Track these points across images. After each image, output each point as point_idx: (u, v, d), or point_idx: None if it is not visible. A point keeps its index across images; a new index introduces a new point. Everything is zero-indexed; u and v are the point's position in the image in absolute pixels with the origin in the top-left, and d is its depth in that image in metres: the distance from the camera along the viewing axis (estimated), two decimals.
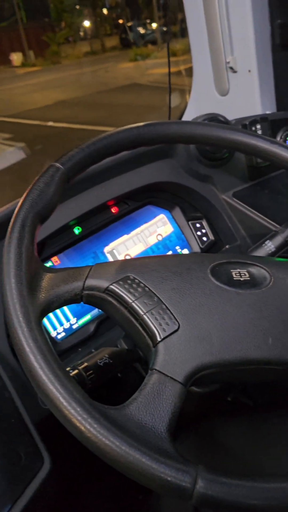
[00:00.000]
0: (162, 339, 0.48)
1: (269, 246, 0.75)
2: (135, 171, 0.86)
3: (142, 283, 0.52)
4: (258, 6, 1.06)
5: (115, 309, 0.52)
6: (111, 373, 0.61)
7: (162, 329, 0.48)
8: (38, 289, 0.49)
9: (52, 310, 0.50)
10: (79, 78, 11.51)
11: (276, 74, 1.14)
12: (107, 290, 0.51)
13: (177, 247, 0.92)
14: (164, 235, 0.91)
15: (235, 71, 1.14)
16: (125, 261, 0.56)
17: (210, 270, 0.54)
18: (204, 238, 0.94)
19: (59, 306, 0.51)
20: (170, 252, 0.91)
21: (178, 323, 0.49)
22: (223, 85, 1.18)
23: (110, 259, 0.84)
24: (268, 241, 0.76)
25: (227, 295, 0.52)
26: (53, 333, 0.75)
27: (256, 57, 1.09)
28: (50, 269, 0.53)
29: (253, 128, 0.91)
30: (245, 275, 0.55)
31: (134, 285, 0.51)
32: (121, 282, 0.52)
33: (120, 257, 0.85)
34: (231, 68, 1.14)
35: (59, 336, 0.76)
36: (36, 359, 0.42)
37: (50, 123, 7.32)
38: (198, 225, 0.94)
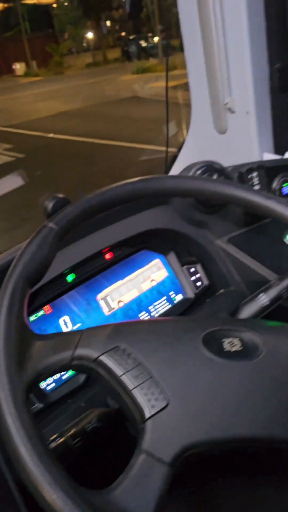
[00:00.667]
0: (151, 416, 0.47)
1: (263, 299, 0.75)
2: (131, 218, 0.86)
3: (132, 354, 0.52)
4: (257, 49, 1.07)
5: (104, 380, 0.51)
6: (100, 438, 0.61)
7: (151, 405, 0.48)
8: (27, 360, 0.49)
9: (40, 381, 0.50)
10: (81, 89, 11.60)
11: (274, 116, 1.15)
12: (97, 361, 0.51)
13: (171, 293, 0.92)
14: (159, 280, 0.92)
15: (233, 112, 1.15)
16: (116, 327, 0.56)
17: (202, 340, 0.54)
18: (199, 283, 0.94)
19: (48, 376, 0.51)
20: (164, 298, 0.91)
21: (168, 399, 0.48)
22: (222, 124, 1.19)
23: (103, 306, 0.84)
24: (262, 293, 0.76)
25: (218, 367, 0.52)
26: (43, 385, 0.75)
27: (254, 99, 1.10)
28: (40, 337, 0.53)
29: (249, 176, 0.92)
30: (237, 344, 0.55)
31: (125, 357, 0.51)
32: (111, 353, 0.51)
33: (113, 304, 0.85)
34: (229, 108, 1.15)
35: (48, 388, 0.75)
36: (21, 442, 0.42)
37: (51, 135, 7.36)
38: (192, 269, 0.94)
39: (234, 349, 0.54)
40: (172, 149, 1.42)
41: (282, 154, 1.16)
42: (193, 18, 1.10)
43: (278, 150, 1.19)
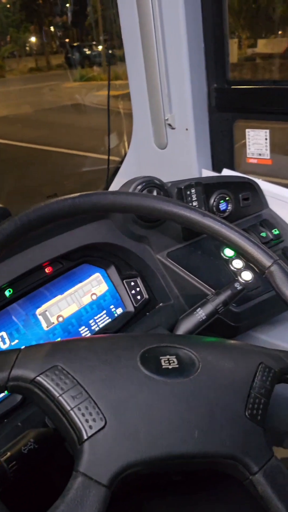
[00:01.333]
0: (88, 438, 0.47)
1: (200, 314, 0.78)
2: (71, 232, 0.86)
3: (70, 374, 0.51)
4: (195, 69, 1.11)
5: (41, 401, 0.51)
6: (37, 460, 0.60)
7: (89, 426, 0.48)
8: None
9: None
10: (24, 94, 11.36)
11: (212, 134, 1.20)
12: (34, 382, 0.50)
13: (112, 306, 0.92)
14: (99, 294, 0.92)
15: (173, 128, 1.18)
16: (54, 346, 0.55)
17: (139, 357, 0.55)
18: (138, 297, 0.95)
19: None
20: (104, 312, 0.91)
21: (105, 419, 0.48)
22: (162, 139, 1.22)
23: (42, 321, 0.83)
24: (199, 308, 0.78)
25: (155, 385, 0.53)
26: None
27: (193, 117, 1.14)
28: None
29: (188, 192, 0.94)
30: (173, 362, 0.56)
31: (62, 377, 0.51)
32: (48, 373, 0.51)
33: (53, 319, 0.84)
34: (169, 124, 1.17)
35: None
36: None
37: None
38: (132, 283, 0.95)
39: (171, 366, 0.56)
40: (115, 158, 1.43)
41: (220, 171, 1.20)
42: (135, 36, 1.12)
43: (216, 167, 1.24)
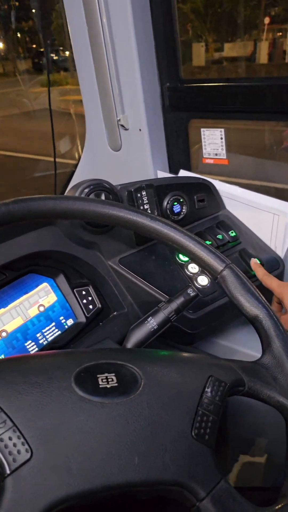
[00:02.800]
0: (11, 472, 0.42)
1: (152, 323, 0.73)
2: (14, 240, 0.80)
3: None
4: (147, 69, 1.07)
5: None
6: None
7: (12, 459, 0.43)
8: None
9: None
10: None
11: (167, 134, 1.16)
12: None
13: (61, 318, 0.87)
14: (47, 305, 0.86)
15: (126, 129, 1.14)
16: None
17: (74, 378, 0.50)
18: (91, 306, 0.90)
19: None
20: (53, 324, 0.86)
21: (31, 450, 0.43)
22: (116, 141, 1.17)
23: None
24: (150, 317, 0.74)
25: (91, 408, 0.48)
26: None
27: (146, 117, 1.10)
28: None
29: (139, 195, 0.90)
30: (112, 380, 0.51)
31: None
32: None
33: None
34: (122, 125, 1.13)
35: None
36: None
37: None
38: (84, 292, 0.90)
39: (109, 385, 0.51)
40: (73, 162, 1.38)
41: (176, 172, 1.17)
42: (82, 36, 1.08)
43: (173, 168, 1.20)
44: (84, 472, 0.44)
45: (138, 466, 0.46)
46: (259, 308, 0.64)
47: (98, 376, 0.51)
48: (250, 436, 1.12)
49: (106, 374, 0.52)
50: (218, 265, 0.66)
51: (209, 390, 0.54)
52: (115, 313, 0.92)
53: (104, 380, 0.51)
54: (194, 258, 0.68)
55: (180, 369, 0.56)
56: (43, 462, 0.43)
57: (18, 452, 0.43)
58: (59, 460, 0.44)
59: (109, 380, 0.51)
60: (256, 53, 8.37)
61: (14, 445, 0.43)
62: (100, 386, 0.50)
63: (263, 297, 0.65)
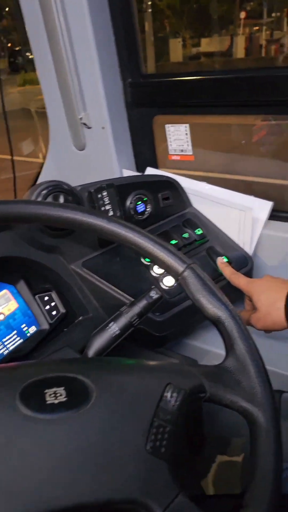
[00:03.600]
0: None
1: (113, 328, 0.70)
2: None
3: None
4: (107, 64, 1.04)
5: None
6: None
7: None
8: None
9: None
10: None
11: (132, 132, 1.13)
12: None
13: (23, 325, 0.84)
14: (8, 313, 0.83)
15: (89, 127, 1.10)
16: None
17: (19, 394, 0.47)
18: (54, 312, 0.87)
19: None
20: (14, 332, 0.82)
21: None
22: (80, 140, 1.14)
23: None
24: (112, 322, 0.71)
25: (36, 427, 0.45)
26: None
27: (109, 114, 1.07)
28: None
29: (99, 196, 0.87)
30: (61, 395, 0.48)
31: None
32: None
33: None
34: (84, 124, 1.10)
35: None
36: None
37: None
38: (46, 298, 0.87)
39: (58, 400, 0.48)
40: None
41: (143, 170, 1.14)
42: (40, 34, 1.04)
43: (140, 166, 1.17)
44: (26, 499, 0.40)
45: (87, 486, 0.43)
46: (221, 309, 0.61)
47: (45, 391, 0.48)
48: (227, 436, 1.10)
49: (54, 389, 0.49)
50: (178, 266, 0.64)
51: (166, 398, 0.51)
52: (80, 318, 0.89)
53: (51, 396, 0.48)
54: (155, 260, 0.65)
55: (137, 378, 0.53)
56: None
57: None
58: (2, 485, 0.41)
59: (57, 395, 0.48)
60: (233, 47, 8.38)
61: None
62: (47, 402, 0.47)
63: (225, 297, 0.63)
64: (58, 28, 1.00)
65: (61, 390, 0.49)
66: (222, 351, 0.98)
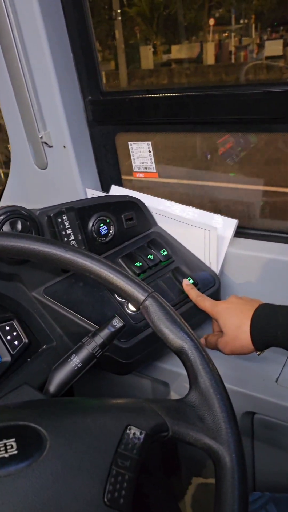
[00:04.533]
0: None
1: (75, 361, 0.67)
2: None
3: None
4: (66, 82, 1.01)
5: None
6: None
7: None
8: None
9: None
10: None
11: (95, 150, 1.10)
12: None
13: None
14: None
15: (50, 146, 1.07)
16: None
17: None
18: (16, 342, 0.83)
19: None
20: None
21: None
22: (41, 159, 1.11)
23: None
24: (73, 355, 0.68)
25: None
26: None
27: (69, 132, 1.04)
28: None
29: (59, 220, 0.84)
30: (11, 447, 0.45)
31: None
32: None
33: None
34: (45, 143, 1.07)
35: None
36: None
37: None
38: (7, 328, 0.83)
39: (8, 454, 0.45)
40: None
41: (108, 188, 1.12)
42: None
43: (104, 184, 1.15)
44: None
45: None
46: (184, 339, 0.59)
47: None
48: (201, 458, 1.08)
49: (4, 441, 0.46)
50: (139, 295, 0.61)
51: (124, 443, 0.49)
52: (44, 347, 0.85)
53: (2, 449, 0.45)
54: (114, 289, 0.63)
55: (93, 420, 0.50)
56: None
57: None
58: None
59: (7, 448, 0.45)
60: (202, 54, 8.46)
61: None
62: None
63: (188, 327, 0.60)
64: (14, 47, 0.97)
65: (11, 442, 0.46)
66: None
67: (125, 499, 0.45)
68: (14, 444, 0.46)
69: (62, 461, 0.45)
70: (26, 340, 0.84)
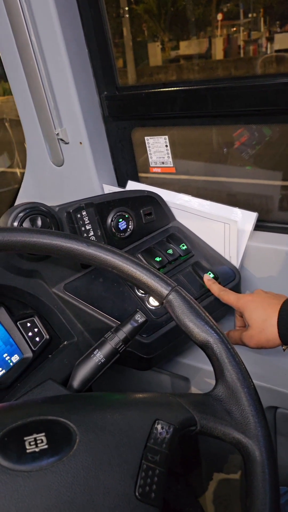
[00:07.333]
0: None
1: (98, 356, 0.67)
2: None
3: None
4: (82, 78, 1.01)
5: None
6: None
7: None
8: None
9: None
10: None
11: (111, 146, 1.10)
12: None
13: (5, 355, 0.80)
14: None
15: (66, 143, 1.07)
16: None
17: None
18: (37, 338, 0.84)
19: None
20: None
21: None
22: (57, 156, 1.11)
23: None
24: (96, 350, 0.68)
25: (14, 480, 0.41)
26: None
27: (86, 129, 1.04)
28: None
29: (78, 216, 0.84)
30: (42, 441, 0.45)
31: None
32: None
33: None
34: (61, 139, 1.07)
35: None
36: None
37: None
38: (29, 324, 0.83)
39: (39, 448, 0.45)
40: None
41: (124, 184, 1.11)
42: (10, 49, 1.01)
43: (120, 180, 1.14)
44: None
45: None
46: (209, 333, 0.59)
47: (25, 438, 0.45)
48: (223, 453, 1.08)
49: (34, 435, 0.46)
50: (163, 289, 0.61)
51: (153, 437, 0.48)
52: (65, 343, 0.86)
53: (32, 443, 0.45)
54: (137, 284, 0.63)
55: (122, 415, 0.50)
56: None
57: None
58: None
59: (38, 442, 0.45)
60: (211, 49, 8.41)
61: None
62: (28, 451, 0.44)
63: (213, 321, 0.60)
64: (29, 44, 0.97)
65: (41, 437, 0.46)
66: (212, 368, 0.96)
67: (156, 493, 0.45)
68: (44, 438, 0.46)
69: (92, 456, 0.45)
70: (47, 336, 0.84)
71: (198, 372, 0.97)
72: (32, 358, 0.82)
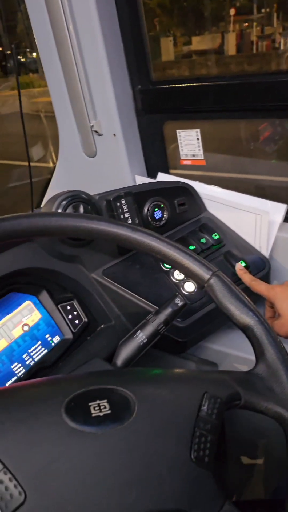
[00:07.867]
0: None
1: (141, 337, 0.71)
2: None
3: None
4: (117, 72, 1.04)
5: None
6: None
7: (5, 504, 0.40)
8: None
9: None
10: None
11: (143, 138, 1.13)
12: None
13: (47, 336, 0.84)
14: (31, 324, 0.83)
15: (100, 134, 1.11)
16: None
17: (64, 408, 0.47)
18: (77, 321, 0.87)
19: None
20: (39, 343, 0.83)
21: (25, 493, 0.41)
22: (90, 147, 1.14)
23: None
24: (139, 331, 0.72)
25: (83, 440, 0.45)
26: None
27: (120, 121, 1.07)
28: None
29: (118, 204, 0.88)
30: (105, 407, 0.49)
31: None
32: None
33: None
34: (95, 131, 1.10)
35: None
36: None
37: None
38: (69, 307, 0.87)
39: (103, 413, 0.48)
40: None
41: (154, 176, 1.15)
42: (49, 43, 1.04)
43: (150, 171, 1.18)
44: (85, 511, 0.41)
45: (136, 500, 0.43)
46: (250, 316, 0.62)
47: (90, 404, 0.49)
48: (249, 437, 1.11)
49: (98, 401, 0.49)
50: (204, 274, 0.64)
51: (205, 408, 0.52)
52: (102, 326, 0.89)
53: (96, 408, 0.49)
54: (179, 268, 0.66)
55: (173, 388, 0.54)
56: (37, 504, 0.40)
57: (11, 496, 0.40)
58: (54, 501, 0.41)
59: (101, 407, 0.49)
60: (224, 45, 8.38)
61: (6, 488, 0.41)
62: (93, 415, 0.48)
63: (253, 304, 0.63)
64: (67, 37, 1.01)
65: (104, 403, 0.49)
66: (240, 354, 0.99)
67: (209, 457, 0.48)
68: (107, 404, 0.49)
69: (150, 423, 0.48)
70: (86, 319, 0.88)
71: (226, 357, 1.00)
72: (72, 339, 0.86)
